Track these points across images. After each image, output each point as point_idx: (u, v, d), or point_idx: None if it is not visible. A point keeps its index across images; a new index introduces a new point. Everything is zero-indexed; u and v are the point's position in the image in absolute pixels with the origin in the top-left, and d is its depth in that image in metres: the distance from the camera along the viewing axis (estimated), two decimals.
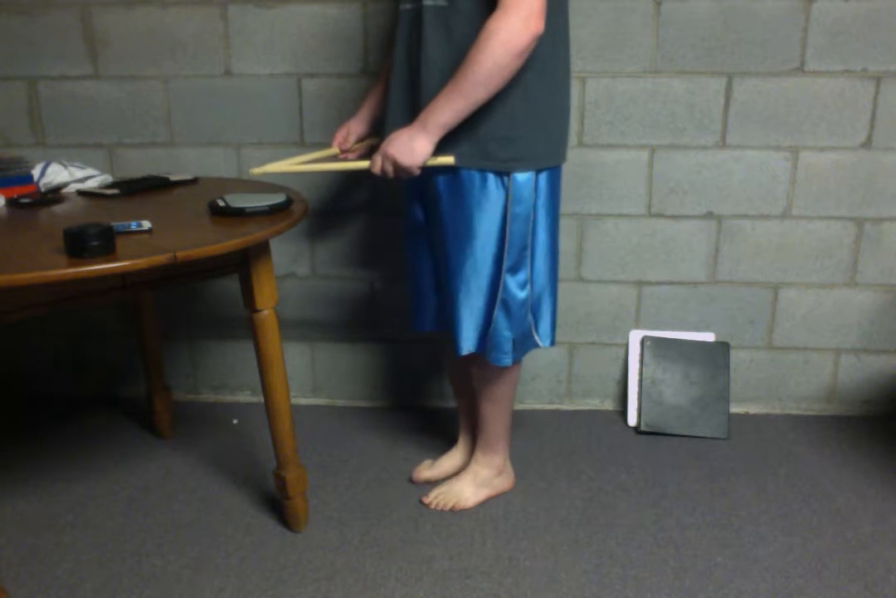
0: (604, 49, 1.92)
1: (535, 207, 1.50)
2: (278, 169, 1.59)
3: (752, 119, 1.95)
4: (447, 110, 1.37)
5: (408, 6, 1.46)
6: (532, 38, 1.31)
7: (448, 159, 1.44)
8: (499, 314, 1.55)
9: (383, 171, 1.47)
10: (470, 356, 1.64)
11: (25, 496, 1.81)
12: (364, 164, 1.52)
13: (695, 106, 1.95)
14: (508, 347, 1.57)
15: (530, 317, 1.59)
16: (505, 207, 1.47)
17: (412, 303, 1.73)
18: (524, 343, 1.61)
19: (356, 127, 1.69)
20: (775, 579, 1.51)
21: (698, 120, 1.96)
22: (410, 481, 1.84)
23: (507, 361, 1.58)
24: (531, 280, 1.56)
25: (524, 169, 1.46)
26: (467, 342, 1.59)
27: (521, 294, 1.55)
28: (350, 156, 1.69)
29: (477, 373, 1.67)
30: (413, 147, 1.40)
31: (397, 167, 1.44)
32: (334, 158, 1.69)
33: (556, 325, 1.67)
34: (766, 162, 1.99)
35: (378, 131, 1.67)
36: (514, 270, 1.52)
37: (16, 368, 2.32)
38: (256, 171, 1.57)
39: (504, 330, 1.56)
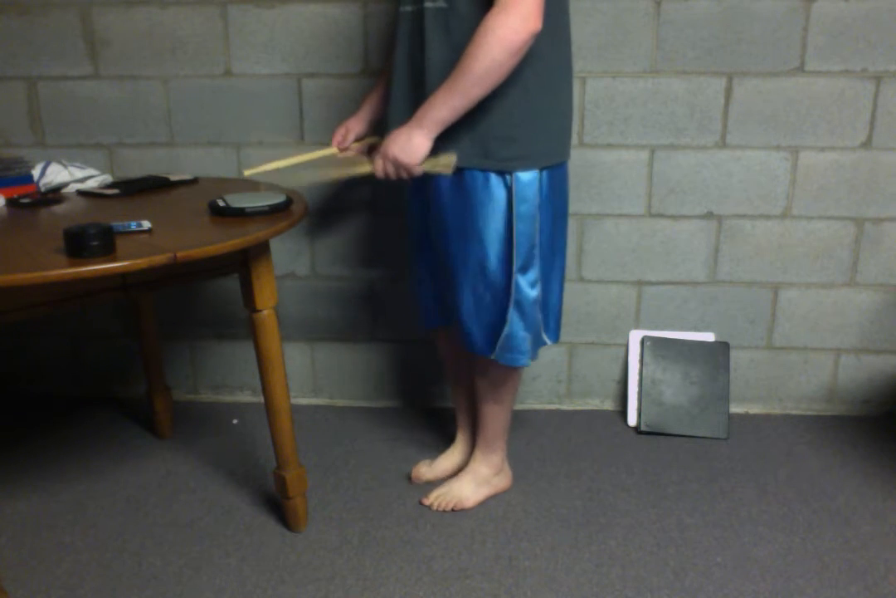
0: (604, 49, 1.92)
1: (540, 205, 1.50)
2: (272, 168, 1.58)
3: (752, 119, 1.95)
4: (444, 107, 1.37)
5: (408, 8, 1.46)
6: (529, 35, 1.31)
7: (447, 168, 1.43)
8: (513, 315, 1.54)
9: (386, 172, 1.47)
10: (477, 356, 1.63)
11: (25, 496, 1.81)
12: (364, 169, 1.51)
13: (695, 106, 1.95)
14: (526, 346, 1.57)
15: (540, 315, 1.59)
16: (509, 206, 1.47)
17: (418, 302, 1.73)
18: (536, 342, 1.61)
19: (355, 126, 1.69)
20: (775, 579, 1.51)
21: (698, 120, 1.96)
22: (409, 481, 1.85)
23: (525, 361, 1.58)
24: (541, 278, 1.56)
25: (526, 168, 1.46)
26: (480, 343, 1.58)
27: (533, 293, 1.54)
28: (348, 154, 1.69)
29: (483, 374, 1.67)
30: (412, 145, 1.41)
31: (398, 166, 1.44)
32: (332, 158, 1.68)
33: (560, 322, 1.67)
34: (766, 162, 1.99)
35: (377, 131, 1.67)
36: (524, 269, 1.52)
37: (16, 368, 2.32)
38: (249, 172, 1.56)
39: (520, 330, 1.55)
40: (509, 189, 1.46)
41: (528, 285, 1.53)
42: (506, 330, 1.55)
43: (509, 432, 1.78)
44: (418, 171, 1.45)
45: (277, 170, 1.60)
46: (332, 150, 1.68)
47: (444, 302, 1.66)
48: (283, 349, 1.60)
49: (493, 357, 1.58)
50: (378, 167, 1.47)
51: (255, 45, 1.98)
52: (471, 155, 1.45)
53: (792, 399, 2.19)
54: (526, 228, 1.49)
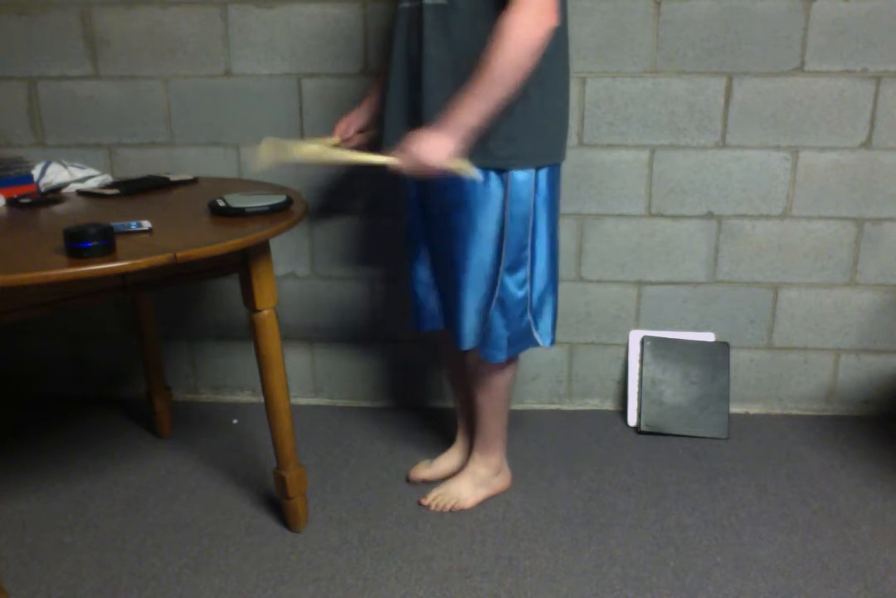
0: (604, 49, 1.92)
1: (535, 205, 1.50)
2: (287, 158, 1.54)
3: (752, 119, 1.95)
4: (469, 112, 1.36)
5: (406, 5, 1.46)
6: (546, 32, 1.31)
7: (473, 171, 1.41)
8: (495, 312, 1.56)
9: (409, 170, 1.44)
10: (469, 353, 1.64)
11: (25, 496, 1.81)
12: (383, 159, 1.49)
13: (695, 106, 1.95)
14: (503, 344, 1.59)
15: (529, 316, 1.59)
16: (504, 206, 1.47)
17: (412, 303, 1.73)
18: (522, 341, 1.61)
19: (356, 119, 1.71)
20: (775, 579, 1.51)
21: (698, 120, 1.96)
22: (407, 480, 1.85)
23: (501, 357, 1.59)
24: (531, 279, 1.56)
25: (523, 167, 1.46)
26: (469, 338, 1.59)
27: (520, 293, 1.55)
28: (350, 144, 1.71)
29: (473, 370, 1.68)
30: (438, 145, 1.38)
31: (421, 166, 1.41)
32: (337, 147, 1.69)
33: (556, 324, 1.67)
34: (766, 162, 1.99)
35: (377, 127, 1.67)
36: (512, 269, 1.53)
37: (16, 368, 2.32)
38: (265, 149, 1.50)
39: (500, 328, 1.57)
40: (505, 188, 1.46)
41: (514, 285, 1.54)
42: (486, 327, 1.57)
43: (508, 432, 1.78)
44: (441, 172, 1.43)
45: (290, 159, 1.57)
46: (335, 140, 1.69)
47: (446, 303, 1.66)
48: (283, 349, 1.60)
49: (477, 351, 1.61)
50: (403, 165, 1.44)
51: (255, 45, 1.98)
52: (471, 154, 1.44)
53: (792, 399, 2.19)
54: (518, 229, 1.49)
